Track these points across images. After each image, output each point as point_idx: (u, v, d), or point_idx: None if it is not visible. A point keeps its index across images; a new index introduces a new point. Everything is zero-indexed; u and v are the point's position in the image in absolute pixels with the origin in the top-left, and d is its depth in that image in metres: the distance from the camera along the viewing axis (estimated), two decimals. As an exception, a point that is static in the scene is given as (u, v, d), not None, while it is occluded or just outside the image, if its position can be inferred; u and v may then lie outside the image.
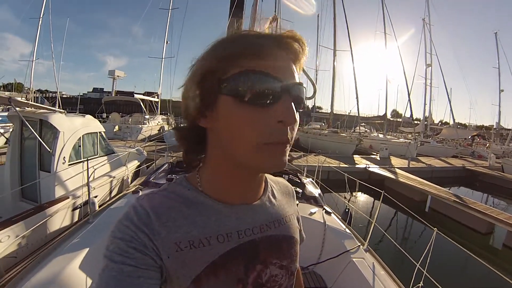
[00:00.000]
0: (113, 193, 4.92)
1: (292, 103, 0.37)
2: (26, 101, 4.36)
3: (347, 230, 2.45)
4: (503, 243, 5.62)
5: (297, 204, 0.63)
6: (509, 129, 27.56)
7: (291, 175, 3.35)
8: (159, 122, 17.37)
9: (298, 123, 0.40)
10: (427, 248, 2.39)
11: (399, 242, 2.99)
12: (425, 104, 24.98)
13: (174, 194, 0.44)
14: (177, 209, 0.42)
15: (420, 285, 2.05)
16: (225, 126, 0.39)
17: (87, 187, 3.21)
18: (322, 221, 2.43)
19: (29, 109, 4.20)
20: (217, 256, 0.41)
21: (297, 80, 0.40)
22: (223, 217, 0.43)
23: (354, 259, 2.05)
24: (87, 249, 1.84)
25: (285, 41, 0.40)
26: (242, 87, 0.36)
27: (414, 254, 2.50)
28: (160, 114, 19.70)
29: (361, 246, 2.23)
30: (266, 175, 0.55)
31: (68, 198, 3.65)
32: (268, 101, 0.36)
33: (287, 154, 0.40)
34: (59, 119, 4.04)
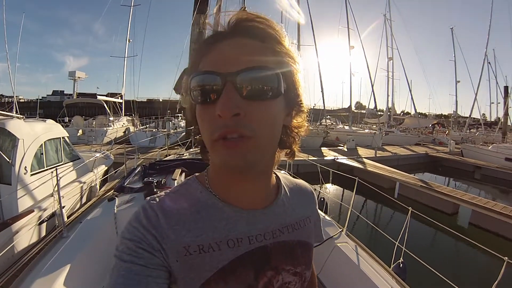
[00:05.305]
0: (82, 202, 4.60)
1: (237, 92, 0.34)
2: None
3: (327, 218, 2.54)
4: (469, 222, 6.09)
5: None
6: (466, 117, 30.33)
7: None
8: (124, 123, 16.75)
9: (256, 112, 0.35)
10: (404, 226, 2.56)
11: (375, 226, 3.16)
12: (388, 95, 26.17)
13: (185, 196, 0.44)
14: (187, 212, 0.41)
15: (400, 260, 2.20)
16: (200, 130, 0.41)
17: (56, 198, 2.97)
18: None
19: (-18, 116, 3.80)
20: (226, 262, 0.40)
21: (254, 65, 0.35)
22: (233, 222, 0.42)
23: (338, 244, 2.12)
24: (68, 266, 1.70)
25: (233, 27, 0.38)
26: (193, 92, 0.37)
27: (390, 235, 2.66)
28: (125, 115, 18.85)
29: (342, 232, 2.32)
30: (281, 176, 0.53)
31: (33, 211, 3.34)
32: (213, 97, 0.35)
33: (246, 149, 0.35)
34: (18, 126, 3.70)
